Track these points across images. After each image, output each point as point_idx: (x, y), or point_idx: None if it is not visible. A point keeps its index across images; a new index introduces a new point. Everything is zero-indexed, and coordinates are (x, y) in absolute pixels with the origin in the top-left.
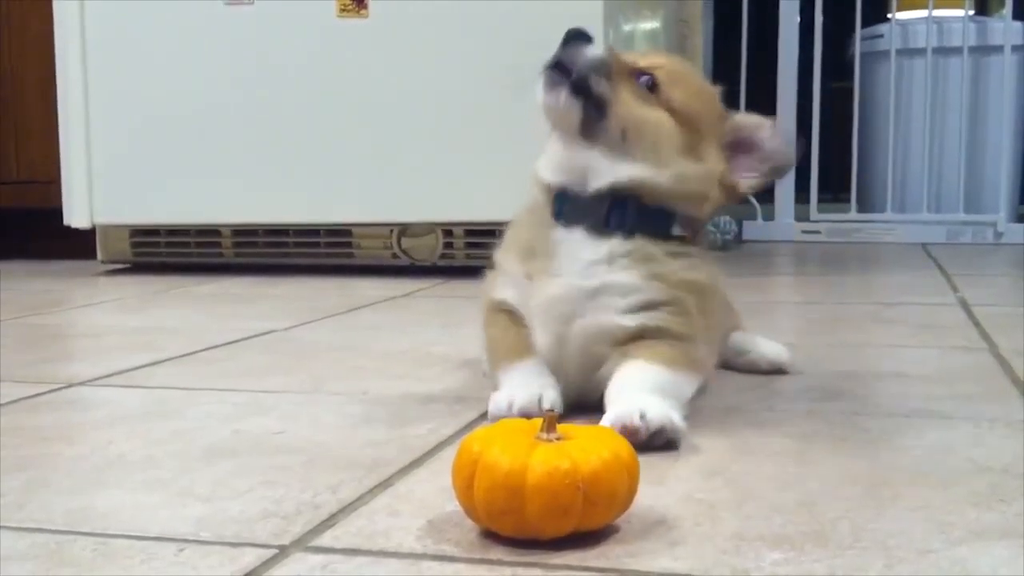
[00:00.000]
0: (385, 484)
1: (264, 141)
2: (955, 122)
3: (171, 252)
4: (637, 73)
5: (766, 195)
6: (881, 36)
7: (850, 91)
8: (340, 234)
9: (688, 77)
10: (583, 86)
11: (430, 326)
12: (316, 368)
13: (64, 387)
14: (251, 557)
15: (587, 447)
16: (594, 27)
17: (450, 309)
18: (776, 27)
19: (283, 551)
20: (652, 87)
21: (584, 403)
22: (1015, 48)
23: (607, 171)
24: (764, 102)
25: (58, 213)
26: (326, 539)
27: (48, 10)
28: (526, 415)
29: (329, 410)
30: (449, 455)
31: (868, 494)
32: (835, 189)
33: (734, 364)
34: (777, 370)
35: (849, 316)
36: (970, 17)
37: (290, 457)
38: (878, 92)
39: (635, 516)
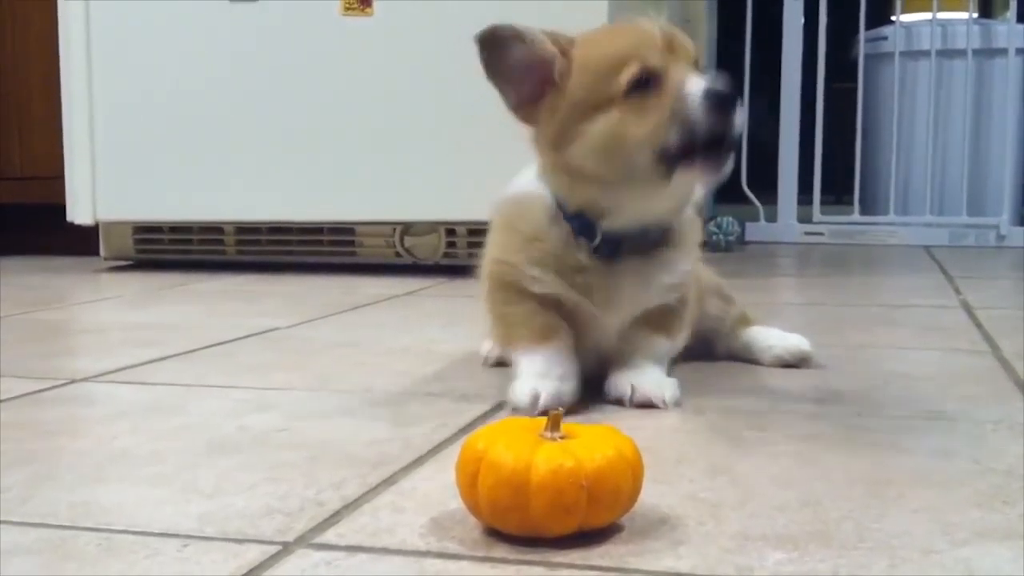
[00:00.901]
0: (389, 481)
1: (267, 139)
2: (958, 125)
3: (174, 249)
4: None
5: (769, 197)
6: (885, 38)
7: (854, 93)
8: (343, 232)
9: None
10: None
11: (433, 324)
12: (319, 365)
13: (67, 383)
14: (255, 553)
15: (591, 445)
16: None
17: (453, 308)
18: (780, 28)
19: (286, 548)
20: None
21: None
22: (1019, 51)
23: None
24: (767, 103)
25: (61, 209)
26: (330, 536)
27: (52, 6)
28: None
29: (332, 407)
30: (453, 452)
31: (872, 494)
32: (838, 191)
33: (761, 360)
34: (802, 360)
35: (852, 318)
36: (974, 20)
37: (294, 454)
38: (882, 94)
39: (639, 515)
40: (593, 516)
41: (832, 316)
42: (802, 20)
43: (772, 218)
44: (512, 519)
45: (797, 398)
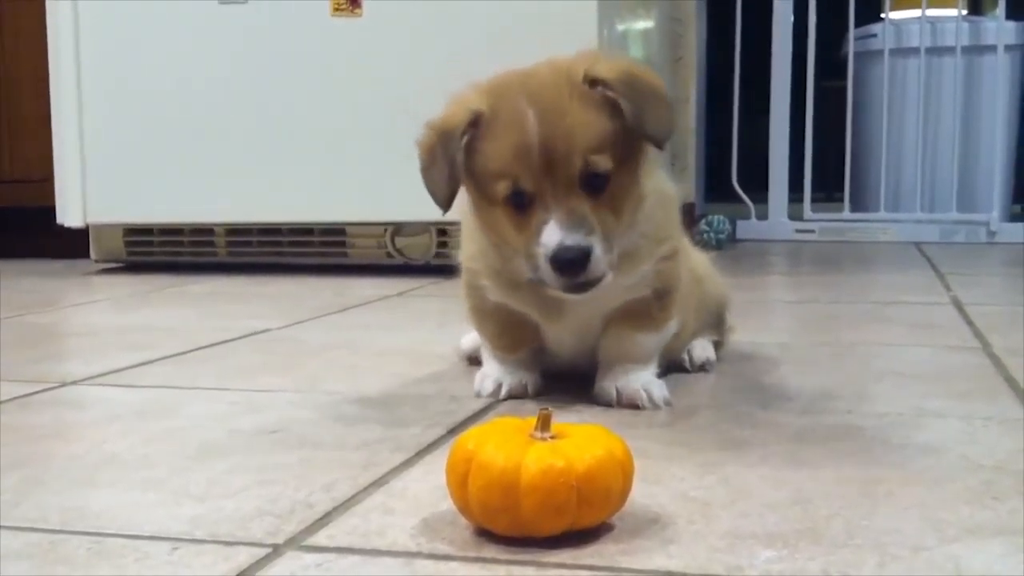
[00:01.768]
0: (379, 483)
1: (257, 140)
2: (948, 122)
3: (164, 251)
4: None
5: (760, 194)
6: (874, 36)
7: (843, 90)
8: (334, 233)
9: None
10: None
11: (424, 325)
12: (310, 367)
13: (58, 386)
14: (245, 556)
15: (581, 445)
16: (589, 27)
17: (444, 308)
18: (770, 26)
19: (277, 550)
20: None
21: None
22: (1008, 48)
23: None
24: (758, 101)
25: (51, 212)
26: (320, 538)
27: (41, 9)
28: (513, 397)
29: (323, 409)
30: (443, 454)
31: (862, 492)
32: (829, 188)
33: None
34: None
35: (843, 315)
36: (963, 17)
37: (284, 456)
38: (871, 91)
39: (629, 514)
40: (583, 516)
41: (824, 313)
42: (792, 18)
43: (763, 216)
44: (502, 519)
45: (787, 396)
